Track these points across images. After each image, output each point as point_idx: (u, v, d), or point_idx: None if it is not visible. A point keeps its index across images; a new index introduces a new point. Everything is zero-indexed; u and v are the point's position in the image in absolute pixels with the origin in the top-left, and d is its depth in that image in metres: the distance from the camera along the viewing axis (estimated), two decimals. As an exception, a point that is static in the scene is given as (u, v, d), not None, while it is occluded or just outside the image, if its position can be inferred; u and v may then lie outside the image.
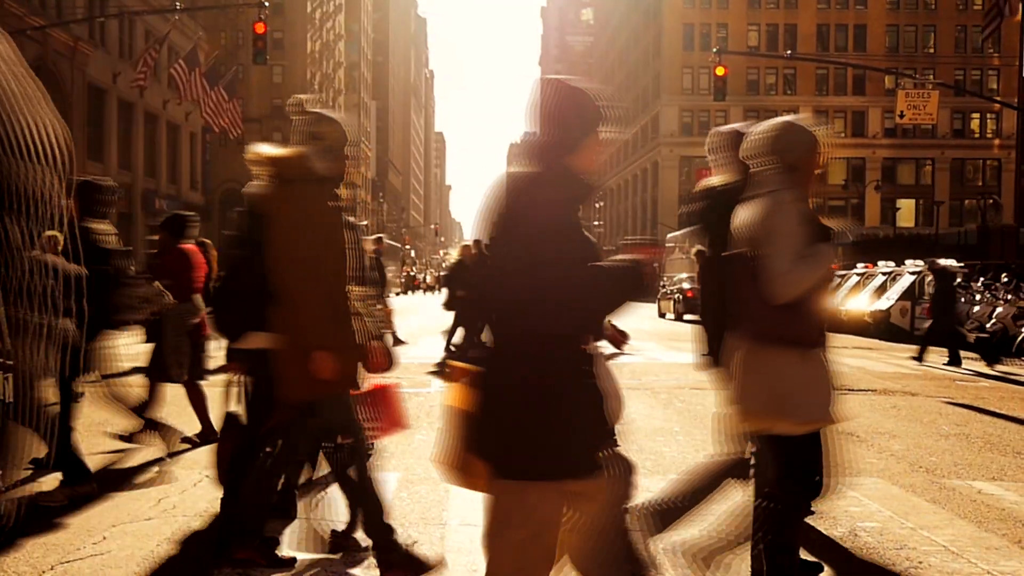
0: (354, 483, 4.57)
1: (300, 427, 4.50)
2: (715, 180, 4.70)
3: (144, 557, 4.72)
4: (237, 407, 4.85)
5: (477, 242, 16.54)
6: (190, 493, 6.03)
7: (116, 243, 6.18)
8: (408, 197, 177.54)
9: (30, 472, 6.09)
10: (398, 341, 18.02)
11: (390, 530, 4.48)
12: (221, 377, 5.42)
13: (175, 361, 7.61)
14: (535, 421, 2.75)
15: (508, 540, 2.83)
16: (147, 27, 49.82)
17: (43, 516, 5.41)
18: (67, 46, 41.84)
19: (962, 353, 16.20)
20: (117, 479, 6.41)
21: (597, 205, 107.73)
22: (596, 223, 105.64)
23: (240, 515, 4.53)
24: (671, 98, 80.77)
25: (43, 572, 4.46)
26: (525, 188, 2.90)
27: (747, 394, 3.80)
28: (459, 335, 14.99)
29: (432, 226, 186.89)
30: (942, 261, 20.21)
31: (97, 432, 7.93)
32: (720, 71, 31.41)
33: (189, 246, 8.00)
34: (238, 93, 47.46)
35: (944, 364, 15.96)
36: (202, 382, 8.04)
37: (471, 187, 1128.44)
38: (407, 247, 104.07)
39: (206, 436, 7.70)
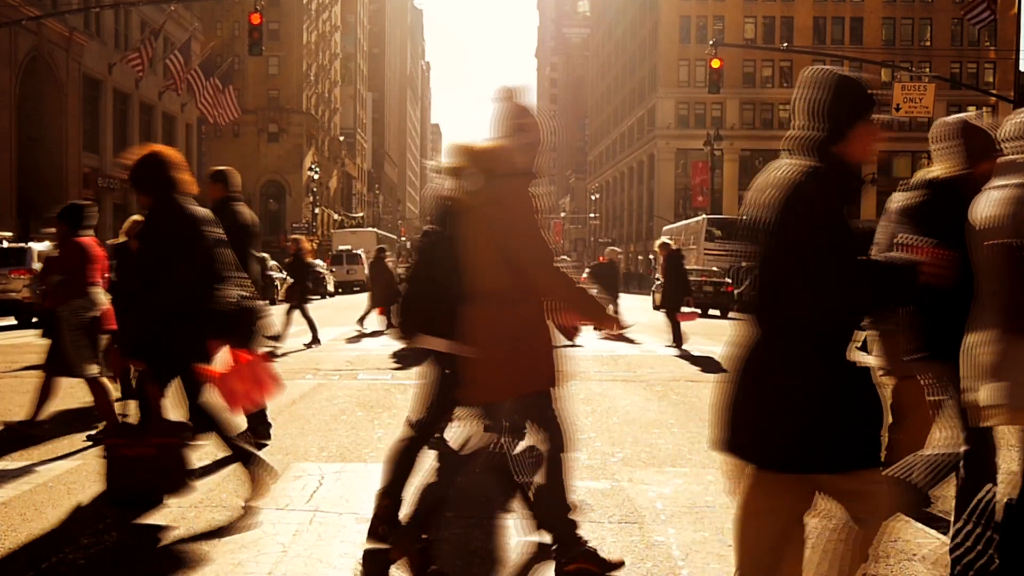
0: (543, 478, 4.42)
1: (552, 419, 4.36)
2: (936, 171, 4.47)
3: (140, 549, 4.72)
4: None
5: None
6: (185, 485, 6.03)
7: None
8: (404, 189, 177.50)
9: None
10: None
11: (574, 525, 4.40)
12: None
13: (78, 357, 7.29)
14: (800, 413, 2.78)
15: (762, 529, 2.87)
16: (143, 18, 49.70)
17: (38, 508, 5.42)
18: (62, 36, 41.70)
19: None
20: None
21: (593, 197, 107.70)
22: (592, 215, 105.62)
23: (556, 532, 4.37)
24: (667, 91, 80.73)
25: (39, 564, 4.46)
26: (798, 181, 2.90)
27: (1018, 391, 3.45)
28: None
29: (428, 218, 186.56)
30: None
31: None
32: (716, 63, 31.37)
33: (87, 239, 7.58)
34: (234, 83, 47.28)
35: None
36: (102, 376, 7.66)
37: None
38: (403, 239, 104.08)
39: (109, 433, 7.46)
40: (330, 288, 43.09)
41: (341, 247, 53.97)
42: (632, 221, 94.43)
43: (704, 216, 50.32)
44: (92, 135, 45.84)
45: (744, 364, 3.00)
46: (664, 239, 18.46)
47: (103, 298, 7.62)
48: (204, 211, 5.51)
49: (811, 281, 2.79)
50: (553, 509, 4.36)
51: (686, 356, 15.22)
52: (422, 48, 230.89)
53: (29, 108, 40.90)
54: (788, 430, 2.84)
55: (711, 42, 33.77)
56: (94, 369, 7.40)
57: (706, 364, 14.06)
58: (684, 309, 16.36)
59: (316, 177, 74.38)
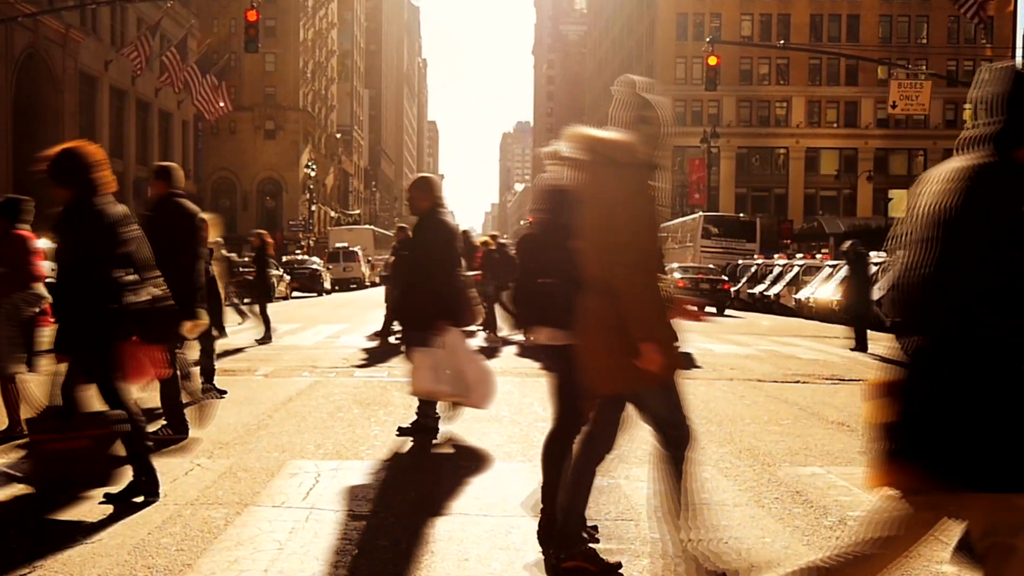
0: (583, 463, 4.44)
1: (613, 421, 4.41)
2: None
3: (135, 545, 4.71)
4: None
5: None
6: (181, 482, 6.03)
7: None
8: (401, 186, 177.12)
9: None
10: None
11: (584, 523, 4.42)
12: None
13: (7, 353, 7.24)
14: (982, 427, 2.69)
15: (892, 549, 2.89)
16: (139, 15, 49.62)
17: (34, 507, 5.41)
18: (59, 33, 41.63)
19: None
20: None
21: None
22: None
23: (563, 523, 4.41)
24: (664, 88, 79.22)
25: (34, 561, 4.46)
26: (980, 179, 2.78)
27: None
28: None
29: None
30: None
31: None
32: (713, 61, 31.39)
33: (25, 232, 7.53)
34: (230, 80, 47.24)
35: (851, 348, 16.28)
36: (28, 374, 7.65)
37: (464, 176, 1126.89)
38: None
39: (9, 434, 7.30)
40: (327, 286, 43.05)
41: (338, 244, 53.94)
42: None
43: (701, 213, 50.38)
44: (88, 132, 45.71)
45: (918, 376, 2.82)
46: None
47: (44, 292, 7.56)
48: (121, 209, 5.54)
49: (998, 298, 2.65)
50: (577, 500, 4.37)
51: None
52: (419, 45, 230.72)
53: (25, 105, 40.83)
54: (986, 446, 2.69)
55: (708, 39, 33.75)
56: (18, 367, 7.36)
57: (703, 363, 14.06)
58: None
59: (313, 174, 74.34)
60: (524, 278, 4.82)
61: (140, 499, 5.46)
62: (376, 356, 14.16)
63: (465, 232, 18.71)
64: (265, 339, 16.20)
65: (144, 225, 7.37)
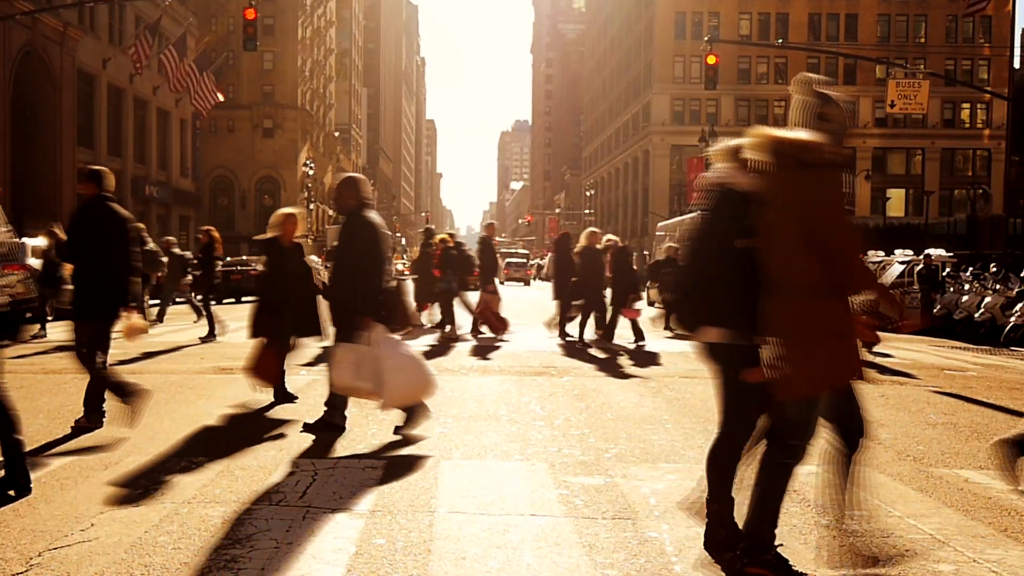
0: (772, 477, 4.36)
1: (803, 424, 4.30)
2: None
3: (132, 544, 4.71)
4: None
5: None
6: (178, 480, 6.02)
7: None
8: (399, 184, 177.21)
9: None
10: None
11: (773, 534, 4.36)
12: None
13: None
14: None
15: None
16: (137, 12, 49.54)
17: (30, 503, 5.41)
18: (56, 31, 41.55)
19: (952, 343, 16.28)
20: (102, 465, 6.40)
21: (588, 193, 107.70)
22: (587, 211, 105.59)
23: (754, 528, 4.32)
24: (663, 87, 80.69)
25: (30, 559, 4.45)
26: None
27: None
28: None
29: (423, 214, 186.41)
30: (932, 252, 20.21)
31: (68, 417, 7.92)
32: (711, 60, 31.39)
33: None
34: (229, 79, 47.23)
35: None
36: None
37: (462, 175, 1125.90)
38: (398, 235, 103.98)
39: None
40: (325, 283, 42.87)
41: (336, 243, 53.85)
42: (627, 217, 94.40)
43: (699, 212, 50.29)
44: (86, 130, 45.69)
45: None
46: (610, 235, 18.53)
47: None
48: None
49: None
50: (770, 506, 4.31)
51: (671, 352, 15.23)
52: (417, 44, 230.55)
53: (23, 103, 40.76)
54: None
55: (706, 38, 33.74)
56: None
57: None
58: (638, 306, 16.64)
59: (311, 173, 74.21)
60: (684, 276, 4.65)
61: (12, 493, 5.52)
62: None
63: (484, 239, 18.73)
64: (209, 337, 16.03)
65: (74, 227, 7.52)
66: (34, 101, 41.71)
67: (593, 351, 15.16)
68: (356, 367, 7.14)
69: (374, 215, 7.59)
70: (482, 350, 14.88)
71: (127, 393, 7.55)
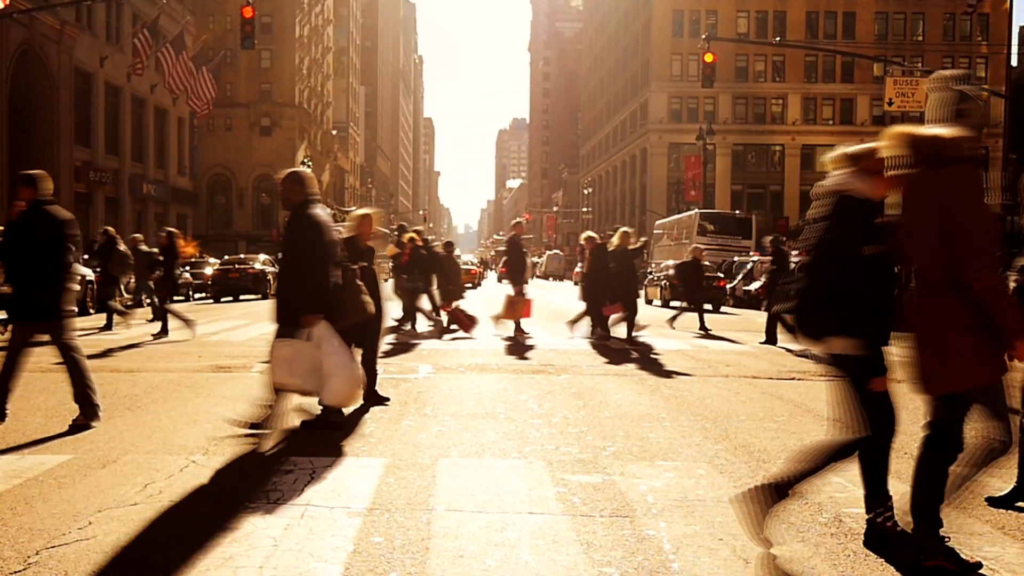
0: (933, 464, 4.39)
1: (958, 420, 4.30)
2: None
3: (130, 542, 4.71)
4: None
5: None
6: (176, 478, 6.02)
7: None
8: (397, 183, 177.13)
9: None
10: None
11: (939, 523, 4.38)
12: None
13: None
14: None
15: None
16: (135, 11, 49.47)
17: (28, 502, 5.40)
18: (54, 29, 41.52)
19: None
20: (99, 463, 6.40)
21: (585, 191, 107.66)
22: (584, 209, 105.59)
23: (922, 523, 4.35)
24: (660, 85, 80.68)
25: (28, 557, 4.45)
26: None
27: None
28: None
29: (421, 212, 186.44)
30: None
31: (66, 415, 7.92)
32: (709, 58, 31.37)
33: None
34: (226, 77, 47.20)
35: (760, 343, 16.60)
36: None
37: (460, 173, 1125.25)
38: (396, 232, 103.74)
39: None
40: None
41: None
42: (625, 215, 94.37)
43: (697, 210, 50.37)
44: (83, 128, 45.65)
45: None
46: (588, 232, 18.61)
47: None
48: None
49: None
50: (934, 501, 4.35)
51: (671, 350, 15.23)
52: (415, 42, 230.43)
53: (20, 101, 40.72)
54: None
55: (704, 36, 33.74)
56: None
57: (699, 360, 14.08)
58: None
59: (309, 171, 74.22)
60: (810, 285, 4.56)
61: None
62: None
63: (449, 244, 19.20)
64: (162, 333, 16.35)
65: (10, 232, 7.59)
66: (31, 99, 41.67)
67: (631, 351, 15.11)
68: (290, 364, 7.16)
69: (320, 211, 7.58)
70: (398, 347, 14.65)
71: None
